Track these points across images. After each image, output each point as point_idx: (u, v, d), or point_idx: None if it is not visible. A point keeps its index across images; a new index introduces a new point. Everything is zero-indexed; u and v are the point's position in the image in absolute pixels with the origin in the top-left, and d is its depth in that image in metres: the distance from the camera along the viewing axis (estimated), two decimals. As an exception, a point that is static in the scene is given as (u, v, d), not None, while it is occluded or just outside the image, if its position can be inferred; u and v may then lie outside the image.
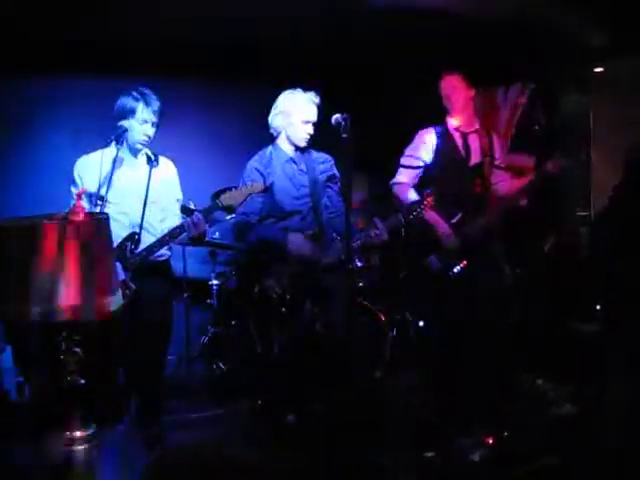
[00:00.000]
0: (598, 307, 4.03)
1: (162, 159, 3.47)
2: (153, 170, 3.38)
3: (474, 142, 3.97)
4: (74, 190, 3.34)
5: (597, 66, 4.81)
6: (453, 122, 3.98)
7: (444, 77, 3.99)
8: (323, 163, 3.71)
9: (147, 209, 3.29)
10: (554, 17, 4.35)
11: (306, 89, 3.62)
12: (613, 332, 3.43)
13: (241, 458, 3.13)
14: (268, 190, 3.53)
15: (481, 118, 5.37)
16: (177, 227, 3.26)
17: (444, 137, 3.95)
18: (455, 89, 3.94)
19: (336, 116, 3.21)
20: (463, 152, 3.93)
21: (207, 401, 4.41)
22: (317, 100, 3.60)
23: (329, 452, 3.16)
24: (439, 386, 3.87)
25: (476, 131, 4.00)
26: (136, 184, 3.33)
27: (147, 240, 3.29)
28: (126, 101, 3.30)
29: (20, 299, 2.09)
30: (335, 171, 3.72)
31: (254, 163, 3.66)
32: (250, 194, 3.32)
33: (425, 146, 3.97)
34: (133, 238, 3.23)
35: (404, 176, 4.02)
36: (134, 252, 3.23)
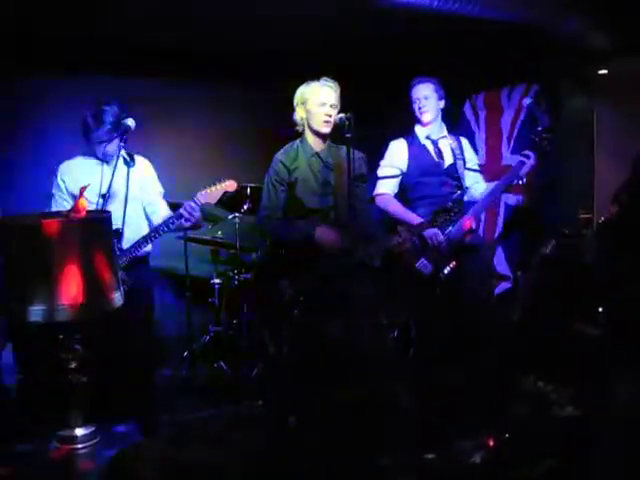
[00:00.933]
0: (600, 309, 4.02)
1: (138, 158, 3.59)
2: (130, 170, 3.45)
3: (444, 146, 4.05)
4: (58, 193, 3.46)
5: (601, 68, 4.80)
6: (423, 131, 4.04)
7: (416, 84, 4.00)
8: (353, 161, 3.51)
9: (128, 208, 3.38)
10: (558, 18, 4.35)
11: (318, 78, 3.51)
12: (615, 334, 3.42)
13: (240, 457, 3.13)
14: (292, 185, 3.45)
15: (484, 118, 5.46)
16: (173, 216, 3.37)
17: (415, 144, 4.03)
18: (427, 99, 3.96)
19: (340, 115, 3.24)
20: (436, 156, 4.00)
21: (208, 400, 4.40)
22: (332, 84, 3.47)
23: (328, 452, 3.15)
24: (439, 387, 3.86)
25: (444, 136, 4.07)
26: (115, 184, 3.39)
27: (131, 238, 3.40)
28: (87, 119, 3.36)
29: (23, 298, 2.08)
30: (364, 170, 3.60)
31: (280, 156, 3.53)
32: (225, 192, 3.41)
33: (399, 155, 4.03)
34: (117, 234, 3.32)
35: (384, 187, 4.06)
36: (122, 249, 3.34)
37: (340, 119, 3.22)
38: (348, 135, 3.15)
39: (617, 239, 3.36)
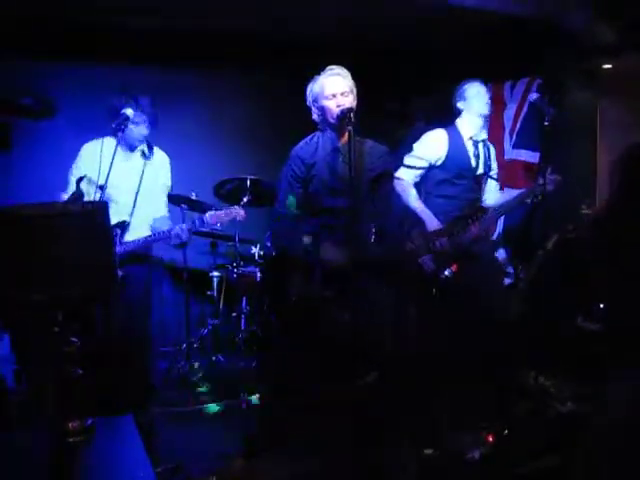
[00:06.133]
0: (601, 305, 4.01)
1: (157, 151, 3.59)
2: (147, 163, 3.51)
3: (482, 151, 3.99)
4: (72, 177, 3.48)
5: (605, 62, 4.77)
6: (467, 130, 3.96)
7: (469, 83, 3.97)
8: (377, 157, 3.32)
9: (138, 200, 3.45)
10: (563, 12, 4.32)
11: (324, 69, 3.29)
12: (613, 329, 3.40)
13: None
14: (308, 182, 3.28)
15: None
16: (163, 232, 3.47)
17: (457, 141, 3.93)
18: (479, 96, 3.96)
19: (342, 108, 3.16)
20: (474, 160, 3.93)
21: (207, 393, 4.39)
22: (338, 70, 3.24)
23: (327, 449, 3.14)
24: (439, 383, 3.85)
25: (483, 141, 4.02)
26: (129, 175, 3.45)
27: (137, 228, 3.48)
28: (118, 104, 3.41)
29: (22, 284, 2.07)
30: (389, 165, 3.44)
31: (298, 151, 3.33)
32: (232, 219, 3.63)
33: (435, 147, 3.92)
34: (122, 225, 3.32)
35: (406, 174, 3.97)
36: (122, 242, 3.40)
37: (341, 111, 3.14)
38: (349, 128, 3.07)
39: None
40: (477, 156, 3.94)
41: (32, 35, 4.64)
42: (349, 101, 3.17)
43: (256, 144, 5.42)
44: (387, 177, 3.41)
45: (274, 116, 5.41)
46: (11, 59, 4.72)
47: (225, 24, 4.86)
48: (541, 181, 3.80)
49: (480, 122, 3.96)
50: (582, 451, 2.89)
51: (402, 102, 5.32)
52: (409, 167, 3.96)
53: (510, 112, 5.19)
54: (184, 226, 3.48)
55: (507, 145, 5.21)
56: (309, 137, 3.38)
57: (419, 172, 3.96)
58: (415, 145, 3.99)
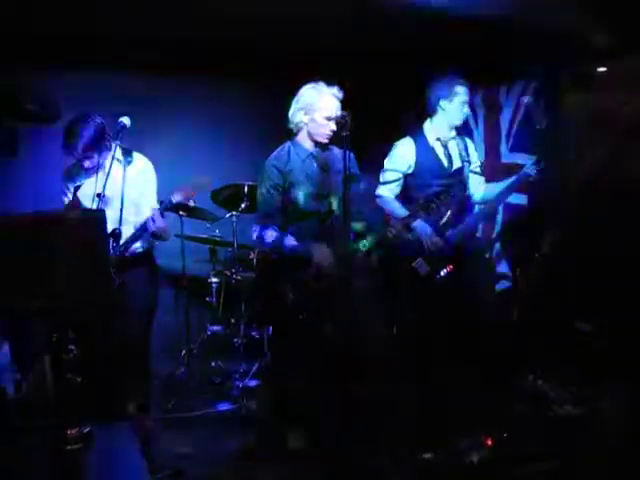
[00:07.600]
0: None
1: (136, 155, 3.53)
2: (127, 167, 3.43)
3: (453, 148, 3.98)
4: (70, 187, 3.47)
5: (602, 65, 4.78)
6: (433, 132, 3.95)
7: (463, 88, 3.92)
8: (343, 161, 3.40)
9: (125, 208, 3.36)
10: (558, 15, 4.33)
11: (329, 84, 3.40)
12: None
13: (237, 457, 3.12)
14: (287, 190, 3.37)
15: (483, 116, 5.44)
16: (143, 223, 3.35)
17: (423, 146, 3.93)
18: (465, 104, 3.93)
19: (337, 114, 3.20)
20: (445, 160, 3.92)
21: (206, 399, 4.39)
22: (340, 95, 3.38)
23: (327, 452, 3.14)
24: (437, 386, 3.86)
25: (453, 138, 3.99)
26: (111, 182, 3.35)
27: (128, 234, 3.39)
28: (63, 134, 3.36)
29: (21, 292, 2.09)
30: (355, 169, 3.48)
31: (273, 161, 3.44)
32: (200, 187, 3.48)
33: (403, 157, 3.93)
34: (114, 234, 3.28)
35: (383, 190, 3.99)
36: (115, 248, 3.31)
37: (339, 118, 3.19)
38: (345, 134, 3.11)
39: None
40: (448, 155, 3.93)
41: (37, 43, 4.69)
42: (335, 126, 3.31)
43: (253, 150, 5.43)
44: (353, 178, 3.38)
45: (271, 122, 5.40)
46: (17, 64, 4.75)
47: (222, 32, 4.88)
48: (527, 170, 3.80)
49: (449, 127, 3.96)
50: (581, 453, 2.91)
51: (398, 104, 5.32)
52: (384, 183, 3.98)
53: (506, 115, 5.19)
54: (156, 211, 3.37)
55: (504, 149, 5.22)
56: (280, 148, 3.50)
57: (395, 184, 3.97)
58: (386, 160, 4.01)
